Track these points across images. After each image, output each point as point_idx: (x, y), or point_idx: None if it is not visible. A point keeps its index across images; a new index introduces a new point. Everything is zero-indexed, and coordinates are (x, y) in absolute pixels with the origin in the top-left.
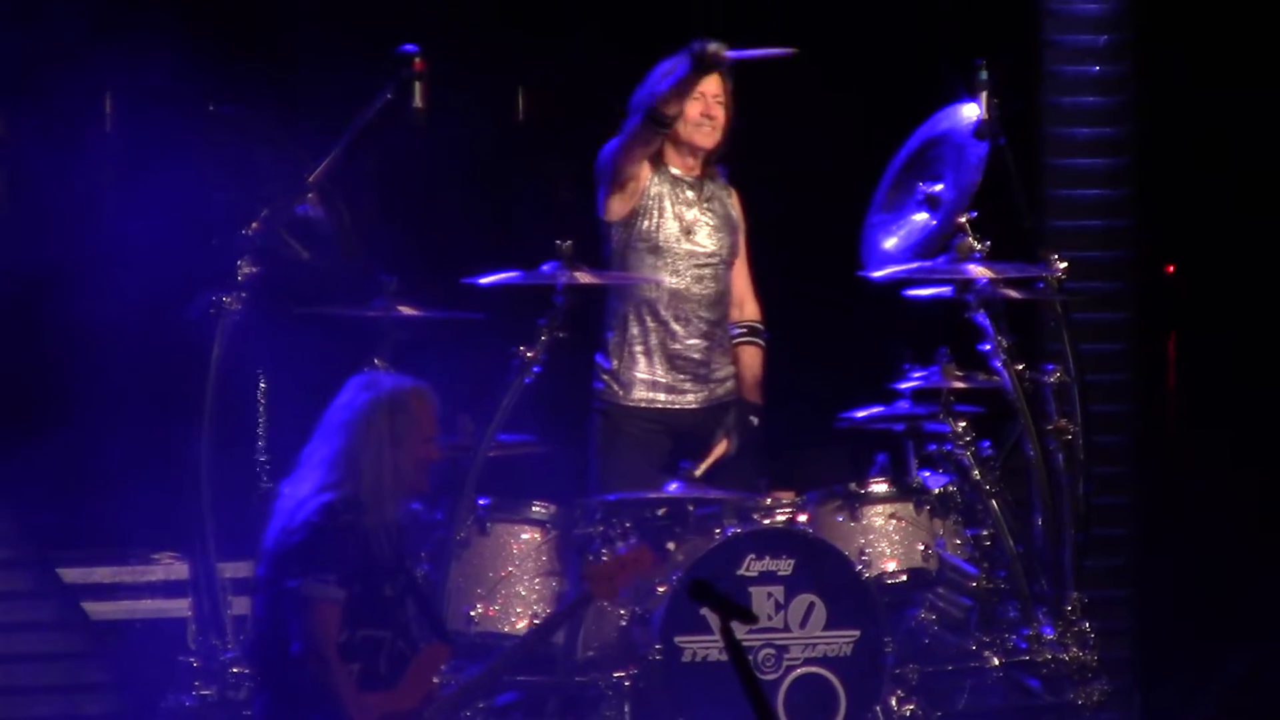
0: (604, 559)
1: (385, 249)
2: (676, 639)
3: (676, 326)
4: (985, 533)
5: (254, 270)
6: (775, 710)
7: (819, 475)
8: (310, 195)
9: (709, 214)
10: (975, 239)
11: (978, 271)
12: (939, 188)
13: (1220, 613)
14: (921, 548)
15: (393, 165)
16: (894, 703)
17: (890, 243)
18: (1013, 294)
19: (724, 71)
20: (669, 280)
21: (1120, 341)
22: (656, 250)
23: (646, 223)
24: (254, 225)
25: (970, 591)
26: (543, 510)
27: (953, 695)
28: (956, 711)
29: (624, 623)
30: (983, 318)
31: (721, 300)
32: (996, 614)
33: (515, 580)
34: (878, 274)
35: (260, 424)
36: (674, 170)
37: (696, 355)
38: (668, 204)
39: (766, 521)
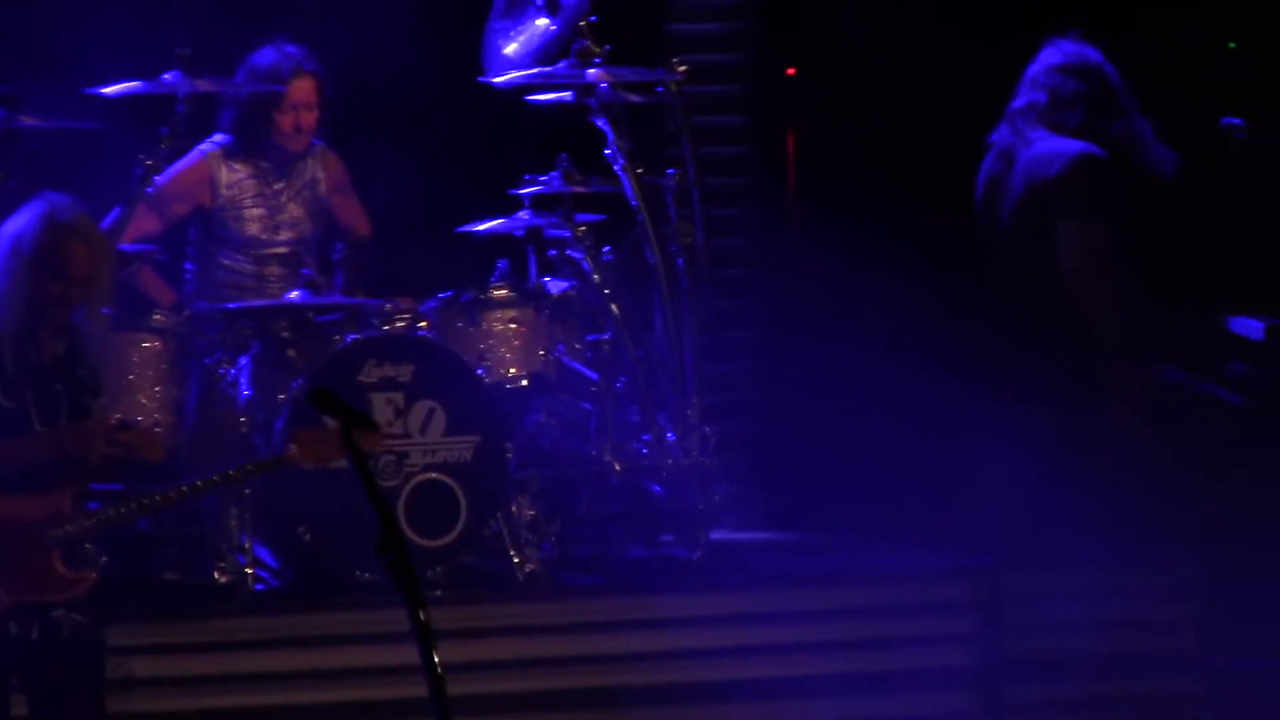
0: (316, 428)
1: (3, 58)
2: None
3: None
4: (606, 338)
5: None
6: (397, 517)
7: (439, 281)
8: None
9: (296, 202)
10: (595, 44)
11: (598, 76)
12: None
13: (843, 413)
14: (541, 353)
15: None
16: (515, 508)
17: (511, 48)
18: (633, 98)
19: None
20: (251, 267)
21: (740, 144)
22: (240, 245)
23: (228, 222)
24: None
25: (591, 396)
26: (163, 319)
27: (574, 500)
28: (578, 516)
29: (244, 431)
30: (604, 122)
31: (308, 260)
32: (617, 419)
33: (137, 389)
34: (499, 80)
35: None
36: (261, 164)
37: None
38: (249, 202)
39: (387, 328)
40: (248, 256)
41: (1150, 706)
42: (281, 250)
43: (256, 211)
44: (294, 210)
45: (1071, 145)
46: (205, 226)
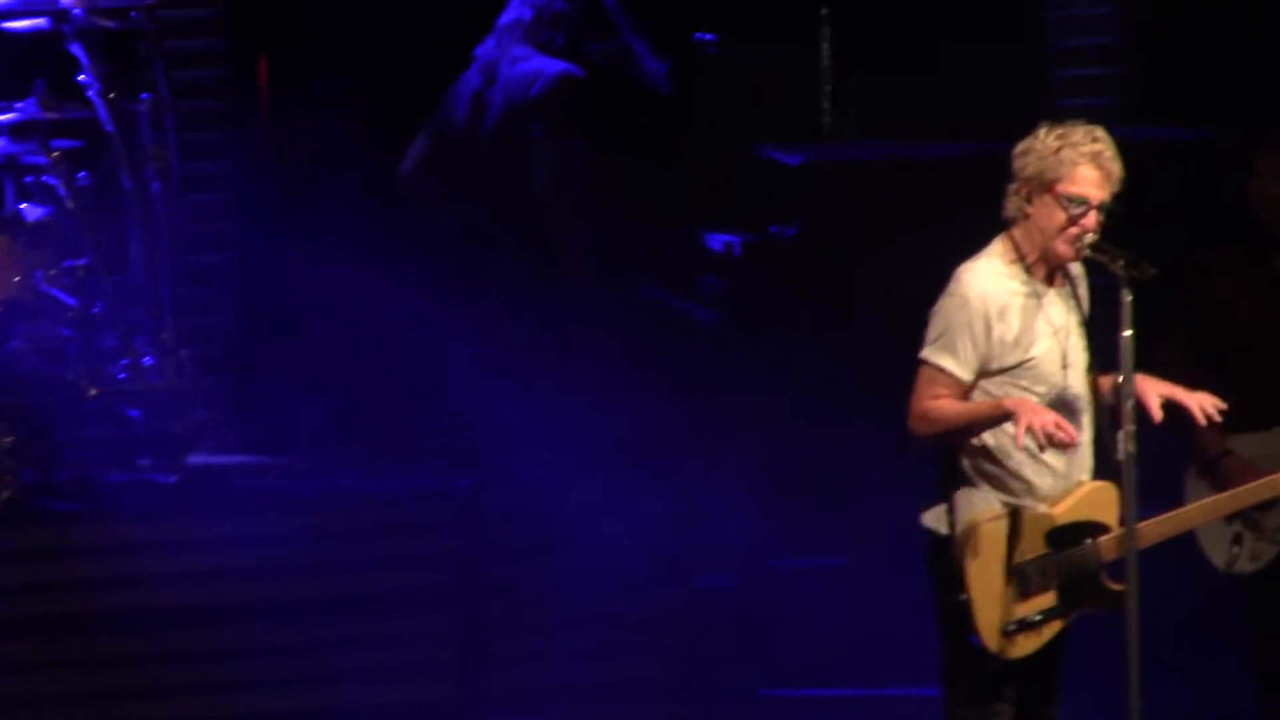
0: None
1: None
2: None
3: None
4: (83, 263)
5: None
6: None
7: None
8: None
9: None
10: None
11: (73, 3)
12: None
13: (322, 335)
14: (18, 279)
15: None
16: None
17: None
18: (107, 24)
19: None
20: None
21: (214, 68)
22: None
23: None
24: None
25: (69, 322)
26: None
27: (52, 426)
28: (56, 442)
29: None
30: (79, 48)
31: None
32: (95, 344)
33: None
34: None
35: None
36: None
37: None
38: None
39: None
40: None
41: (644, 625)
42: None
43: None
44: None
45: (552, 65)
46: None
